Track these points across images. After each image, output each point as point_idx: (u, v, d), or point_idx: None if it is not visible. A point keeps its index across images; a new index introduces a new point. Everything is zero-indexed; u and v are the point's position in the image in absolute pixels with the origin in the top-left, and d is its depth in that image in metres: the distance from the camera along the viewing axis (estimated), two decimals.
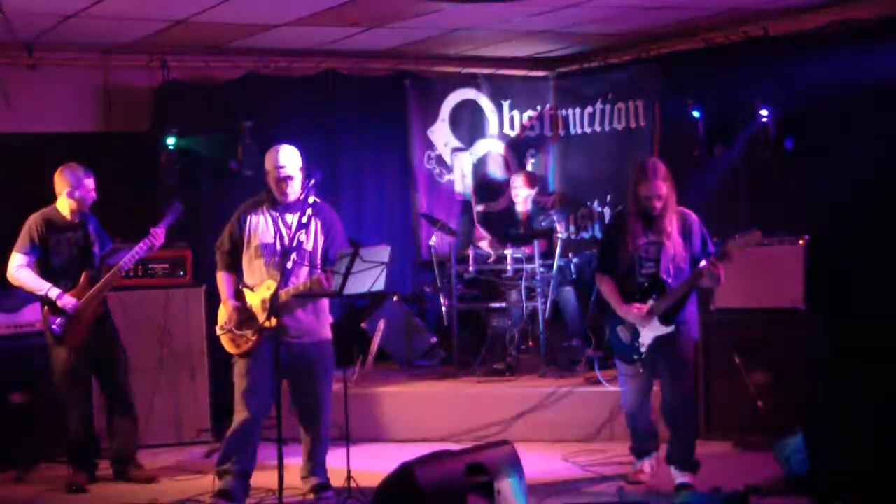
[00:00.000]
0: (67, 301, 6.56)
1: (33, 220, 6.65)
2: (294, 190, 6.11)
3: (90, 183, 6.70)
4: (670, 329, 6.06)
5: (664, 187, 6.02)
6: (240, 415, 6.11)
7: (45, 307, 6.61)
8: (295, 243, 6.01)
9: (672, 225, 6.07)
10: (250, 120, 8.32)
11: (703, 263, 6.01)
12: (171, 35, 7.92)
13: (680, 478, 6.16)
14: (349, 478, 6.02)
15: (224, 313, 6.19)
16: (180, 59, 8.55)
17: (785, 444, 6.08)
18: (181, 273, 7.87)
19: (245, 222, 6.18)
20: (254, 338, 6.05)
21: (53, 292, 6.55)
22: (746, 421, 7.04)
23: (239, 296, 6.17)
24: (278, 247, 6.07)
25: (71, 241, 6.67)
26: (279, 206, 6.15)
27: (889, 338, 6.85)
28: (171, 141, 8.19)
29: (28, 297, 7.12)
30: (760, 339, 7.13)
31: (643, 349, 6.12)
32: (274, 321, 5.87)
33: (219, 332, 6.21)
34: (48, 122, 8.23)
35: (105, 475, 6.85)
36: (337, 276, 5.86)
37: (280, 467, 5.68)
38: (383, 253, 5.97)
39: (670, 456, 6.25)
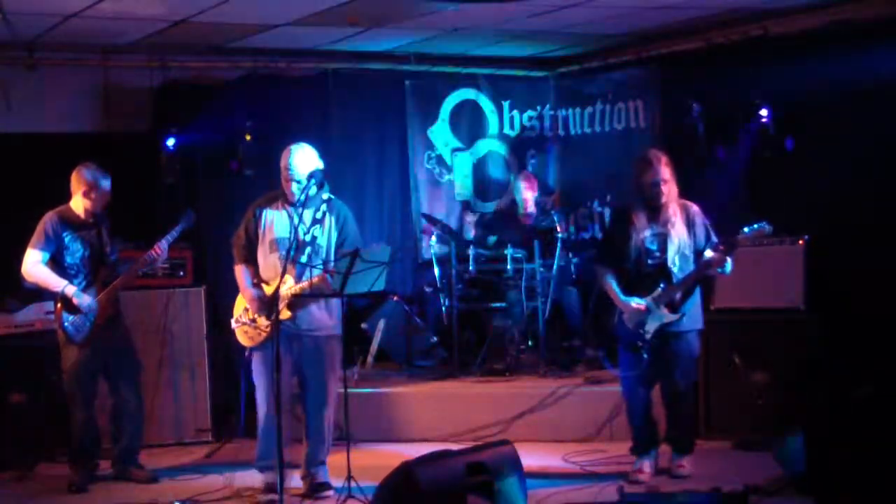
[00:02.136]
0: (84, 299, 6.56)
1: (49, 217, 6.63)
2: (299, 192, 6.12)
3: (107, 184, 6.68)
4: (676, 317, 6.16)
5: (668, 172, 6.17)
6: (262, 410, 6.21)
7: (59, 304, 6.60)
8: (310, 238, 6.03)
9: (676, 215, 6.20)
10: (250, 120, 8.32)
11: (708, 253, 6.09)
12: (171, 35, 7.92)
13: (676, 460, 6.34)
14: (349, 478, 6.01)
15: (240, 305, 6.23)
16: (180, 59, 8.54)
17: (785, 444, 6.09)
18: (181, 273, 7.87)
19: (261, 217, 6.22)
20: (269, 329, 6.05)
21: (70, 289, 6.53)
22: (746, 421, 7.05)
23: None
24: (294, 241, 6.07)
25: (85, 239, 6.65)
26: (295, 201, 6.17)
27: (888, 337, 6.85)
28: (171, 141, 8.19)
29: (28, 298, 7.12)
30: (760, 338, 7.14)
31: (648, 336, 6.19)
32: (289, 314, 5.92)
33: (234, 325, 6.25)
34: (48, 122, 8.22)
35: (105, 475, 6.85)
36: (337, 276, 5.86)
37: (280, 467, 5.68)
38: (383, 253, 5.98)
39: (668, 436, 6.44)
